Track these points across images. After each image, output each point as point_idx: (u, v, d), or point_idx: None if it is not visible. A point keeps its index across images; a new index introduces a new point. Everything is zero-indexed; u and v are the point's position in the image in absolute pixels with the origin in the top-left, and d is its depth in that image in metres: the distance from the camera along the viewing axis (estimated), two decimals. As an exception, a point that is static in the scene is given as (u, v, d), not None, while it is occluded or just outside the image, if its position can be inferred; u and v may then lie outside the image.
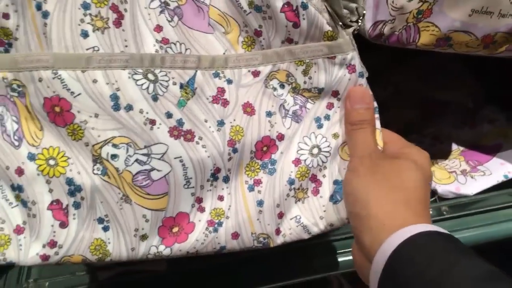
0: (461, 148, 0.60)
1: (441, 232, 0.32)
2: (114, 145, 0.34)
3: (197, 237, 0.36)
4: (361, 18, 0.38)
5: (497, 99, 0.65)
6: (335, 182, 0.38)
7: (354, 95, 0.38)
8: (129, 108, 0.34)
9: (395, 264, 0.30)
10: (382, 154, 0.39)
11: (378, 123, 0.39)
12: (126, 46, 0.34)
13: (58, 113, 0.34)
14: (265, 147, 0.38)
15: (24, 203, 0.35)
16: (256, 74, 0.38)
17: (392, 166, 0.36)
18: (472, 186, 0.54)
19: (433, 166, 0.57)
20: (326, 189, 0.38)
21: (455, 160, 0.58)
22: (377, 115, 0.39)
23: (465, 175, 0.55)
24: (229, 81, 0.37)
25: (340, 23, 0.38)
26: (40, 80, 0.33)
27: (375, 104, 0.39)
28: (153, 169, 0.35)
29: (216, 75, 0.37)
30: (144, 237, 0.35)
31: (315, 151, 0.38)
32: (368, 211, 0.34)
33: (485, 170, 0.55)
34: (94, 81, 0.34)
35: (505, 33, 0.39)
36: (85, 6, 0.33)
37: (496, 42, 0.40)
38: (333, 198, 0.38)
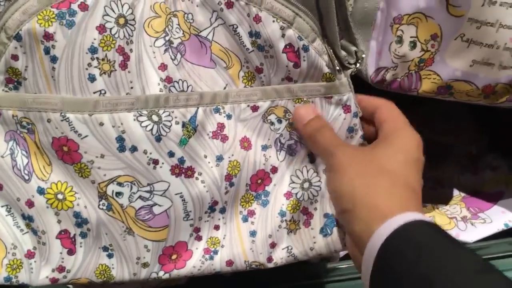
0: (462, 194, 0.59)
1: (428, 221, 0.31)
2: (119, 184, 0.36)
3: (194, 264, 0.39)
4: (359, 61, 0.39)
5: (500, 146, 0.64)
6: (326, 216, 0.40)
7: (299, 114, 0.38)
8: (133, 149, 0.35)
9: (384, 259, 0.30)
10: (355, 146, 0.39)
11: (359, 127, 0.40)
12: (132, 87, 0.35)
13: (66, 152, 0.35)
14: (260, 180, 0.40)
15: (34, 232, 0.37)
16: (255, 109, 0.39)
17: (369, 154, 0.36)
18: (472, 233, 0.53)
19: (434, 211, 0.57)
20: (317, 221, 0.40)
21: (456, 206, 0.57)
22: (356, 120, 0.40)
23: (466, 221, 0.55)
24: (229, 116, 0.38)
25: (338, 65, 0.39)
26: (49, 121, 0.35)
27: (355, 109, 0.39)
28: (155, 204, 0.37)
29: (217, 110, 0.38)
30: (145, 265, 0.38)
31: (306, 185, 0.40)
32: (353, 203, 0.34)
33: (486, 218, 0.55)
34: (101, 124, 0.35)
35: (506, 84, 0.40)
36: (93, 50, 0.34)
37: (497, 92, 0.41)
38: (323, 231, 0.40)
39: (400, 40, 0.40)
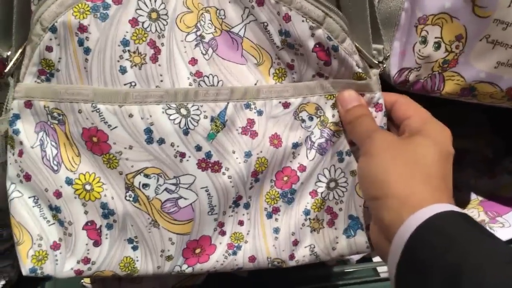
0: (480, 198, 0.59)
1: (461, 212, 0.31)
2: (146, 175, 0.36)
3: (217, 259, 0.39)
4: (385, 59, 0.39)
5: None
6: (350, 217, 0.40)
7: (343, 98, 0.38)
8: (161, 141, 0.36)
9: (413, 248, 0.30)
10: (393, 134, 0.38)
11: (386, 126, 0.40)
12: (162, 80, 0.36)
13: (95, 143, 0.36)
14: (286, 177, 0.40)
15: (60, 223, 0.37)
16: (286, 105, 0.39)
17: (407, 143, 0.36)
18: None
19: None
20: (341, 222, 0.40)
21: (473, 210, 0.57)
22: (386, 119, 0.40)
23: (484, 225, 0.54)
24: (260, 112, 0.38)
25: (369, 64, 0.39)
26: (80, 111, 0.35)
27: (384, 108, 0.39)
28: (180, 197, 0.37)
29: (247, 106, 0.38)
30: (169, 258, 0.38)
31: (332, 184, 0.40)
32: (385, 191, 0.33)
33: (504, 222, 0.55)
34: (130, 115, 0.35)
35: None
36: (125, 43, 0.35)
37: None
38: (347, 232, 0.40)
39: (424, 41, 0.40)
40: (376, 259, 0.59)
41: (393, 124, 0.40)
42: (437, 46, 0.40)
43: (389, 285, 0.57)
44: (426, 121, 0.37)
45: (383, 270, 0.58)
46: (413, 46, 0.41)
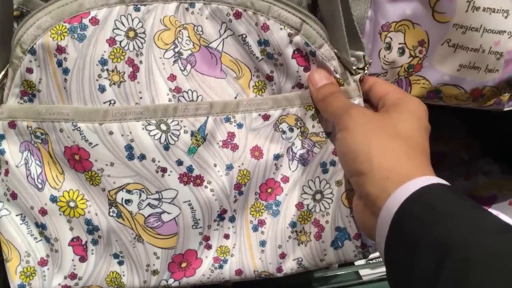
0: None
1: (447, 184, 0.31)
2: (128, 191, 0.37)
3: (203, 272, 0.39)
4: (367, 66, 0.39)
5: (492, 151, 0.64)
6: (337, 229, 0.40)
7: (313, 77, 0.38)
8: (142, 157, 0.36)
9: (400, 222, 0.30)
10: (370, 109, 0.38)
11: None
12: (141, 97, 0.36)
13: (78, 160, 0.36)
14: (270, 189, 0.40)
15: (47, 239, 0.38)
16: (266, 117, 0.39)
17: (386, 117, 0.36)
18: None
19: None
20: (328, 235, 0.40)
21: None
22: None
23: None
24: (240, 125, 0.38)
25: (348, 70, 0.39)
26: (61, 130, 0.36)
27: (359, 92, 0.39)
28: (163, 212, 0.37)
29: (227, 119, 0.38)
30: (155, 272, 0.38)
31: (318, 196, 0.40)
32: (369, 165, 0.33)
33: None
34: (110, 133, 0.36)
35: (493, 87, 0.41)
36: (103, 62, 0.35)
37: (485, 95, 0.41)
38: (334, 244, 0.40)
39: (389, 47, 0.41)
40: (358, 262, 0.59)
41: (371, 106, 0.40)
42: (401, 52, 0.41)
43: None
44: (404, 95, 0.37)
45: (365, 273, 0.58)
46: (379, 52, 0.41)
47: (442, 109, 0.46)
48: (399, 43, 0.40)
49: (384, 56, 0.41)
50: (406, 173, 0.31)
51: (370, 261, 0.59)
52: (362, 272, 0.58)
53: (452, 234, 0.27)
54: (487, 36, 0.39)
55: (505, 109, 0.44)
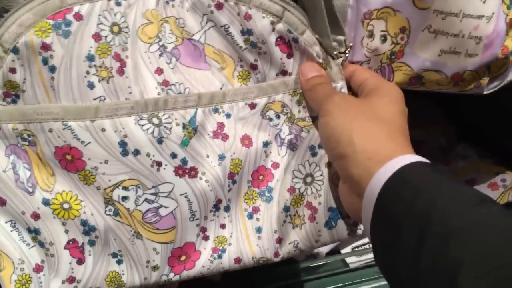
0: None
1: (427, 162, 0.32)
2: (124, 188, 0.36)
3: (203, 264, 0.39)
4: (348, 49, 0.41)
5: (469, 136, 0.67)
6: (330, 209, 0.41)
7: (304, 69, 0.39)
8: (136, 152, 0.36)
9: (384, 201, 0.30)
10: (351, 95, 0.39)
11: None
12: (130, 92, 0.36)
13: (70, 160, 0.35)
14: (261, 176, 0.40)
15: (41, 244, 0.36)
16: (252, 106, 0.39)
17: (366, 102, 0.37)
18: None
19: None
20: (322, 216, 0.41)
21: None
22: (344, 90, 0.41)
23: None
24: (228, 115, 0.39)
25: (330, 54, 0.41)
26: (51, 131, 0.34)
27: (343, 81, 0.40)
28: (161, 206, 0.37)
29: (216, 110, 0.38)
30: (155, 268, 0.38)
31: (309, 179, 0.40)
32: (353, 147, 0.33)
33: None
34: (103, 129, 0.35)
35: (473, 71, 0.42)
36: (90, 58, 0.34)
37: (465, 80, 0.43)
38: (328, 224, 0.41)
39: (371, 35, 0.42)
40: (345, 250, 0.61)
41: (353, 93, 0.41)
42: (384, 39, 0.42)
43: (359, 275, 0.59)
44: (382, 81, 0.39)
45: (352, 261, 0.60)
46: (361, 40, 0.42)
47: (419, 96, 0.47)
48: (381, 31, 0.41)
49: (367, 44, 0.42)
50: (387, 153, 0.32)
51: (356, 249, 0.61)
52: (349, 260, 0.60)
53: (432, 208, 0.28)
54: (467, 21, 0.40)
55: (485, 92, 0.45)
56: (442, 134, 0.68)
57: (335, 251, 0.61)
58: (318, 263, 0.59)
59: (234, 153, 0.39)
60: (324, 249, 0.61)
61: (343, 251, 0.61)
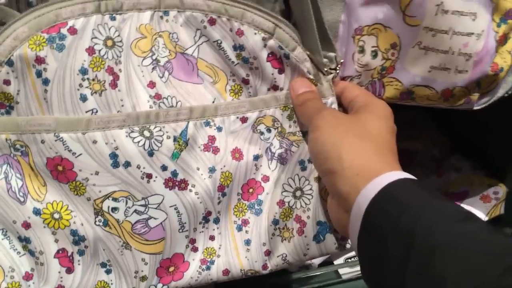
0: None
1: (414, 179, 0.32)
2: (114, 199, 0.37)
3: (191, 275, 0.39)
4: (339, 66, 0.42)
5: (462, 148, 0.66)
6: (319, 223, 0.41)
7: (295, 84, 0.40)
8: (127, 164, 0.36)
9: (371, 218, 0.31)
10: (341, 112, 0.39)
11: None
12: (122, 105, 0.36)
13: (61, 171, 0.36)
14: (251, 189, 0.40)
15: (31, 253, 0.37)
16: (244, 120, 0.40)
17: (356, 119, 0.37)
18: None
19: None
20: (310, 230, 0.41)
21: None
22: (335, 106, 0.41)
23: None
24: (219, 129, 0.39)
25: (321, 71, 0.41)
26: (43, 142, 0.35)
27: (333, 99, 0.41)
28: (150, 217, 0.37)
29: (207, 124, 0.39)
30: (143, 278, 0.38)
31: (298, 193, 0.41)
32: (341, 163, 0.34)
33: None
34: (94, 141, 0.36)
35: (463, 87, 0.42)
36: (83, 71, 0.35)
37: (455, 95, 0.43)
38: (316, 238, 0.41)
39: (362, 50, 0.42)
40: (338, 261, 0.61)
41: (344, 110, 0.42)
42: (374, 55, 0.42)
43: (352, 286, 0.59)
44: (372, 99, 0.39)
45: (344, 272, 0.60)
46: (352, 55, 0.43)
47: (413, 108, 0.47)
48: (372, 46, 0.42)
49: (358, 59, 0.42)
50: (375, 170, 0.33)
51: (349, 260, 0.61)
52: (342, 271, 0.60)
53: (417, 224, 0.28)
54: (456, 38, 0.40)
55: (475, 107, 0.45)
56: (436, 145, 0.69)
57: (328, 262, 0.61)
58: (311, 274, 0.59)
59: (224, 166, 0.39)
60: (316, 260, 0.61)
61: (336, 262, 0.61)
